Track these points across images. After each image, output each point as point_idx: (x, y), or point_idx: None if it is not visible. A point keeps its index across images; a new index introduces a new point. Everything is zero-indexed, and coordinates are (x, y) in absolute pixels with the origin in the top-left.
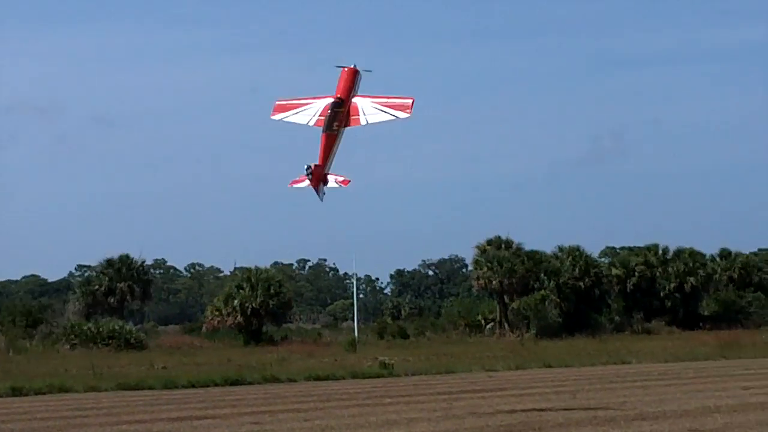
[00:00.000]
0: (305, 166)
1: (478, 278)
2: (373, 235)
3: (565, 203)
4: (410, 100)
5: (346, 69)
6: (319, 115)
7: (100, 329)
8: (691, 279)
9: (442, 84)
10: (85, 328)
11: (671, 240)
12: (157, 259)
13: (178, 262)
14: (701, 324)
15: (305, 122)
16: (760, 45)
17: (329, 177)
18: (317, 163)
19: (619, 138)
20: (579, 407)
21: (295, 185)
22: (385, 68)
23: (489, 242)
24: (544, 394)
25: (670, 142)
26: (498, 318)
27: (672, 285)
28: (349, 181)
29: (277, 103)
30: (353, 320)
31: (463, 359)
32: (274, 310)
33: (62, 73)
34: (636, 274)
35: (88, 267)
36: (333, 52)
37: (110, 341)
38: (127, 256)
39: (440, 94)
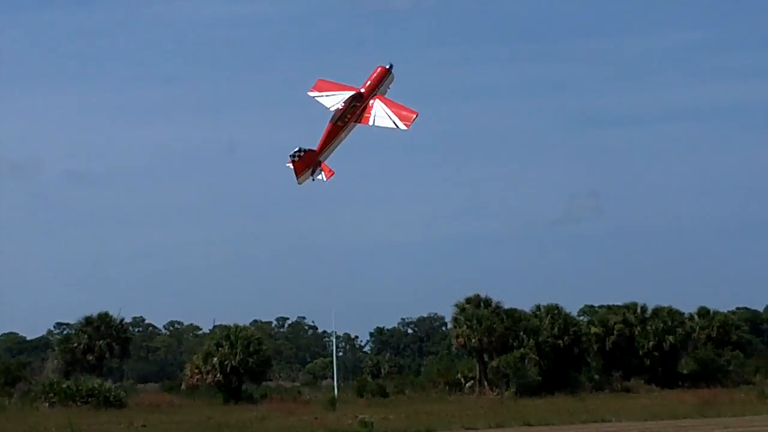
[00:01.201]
0: (295, 149)
1: (457, 336)
2: (352, 293)
3: (544, 262)
4: (413, 114)
5: (378, 67)
6: (341, 105)
7: (79, 387)
8: (670, 337)
9: (420, 143)
10: (64, 386)
11: (649, 298)
12: (135, 317)
13: (157, 320)
14: (680, 382)
15: (329, 106)
16: (736, 103)
17: (321, 167)
18: (314, 149)
19: (597, 196)
20: None
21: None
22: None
23: (468, 300)
24: None
25: (648, 201)
26: (477, 376)
27: (651, 343)
28: (333, 173)
29: (319, 80)
30: (333, 378)
31: (443, 417)
32: (253, 368)
33: (39, 130)
34: (615, 332)
35: (67, 325)
36: (312, 109)
37: (89, 399)
38: (106, 314)
39: (419, 153)
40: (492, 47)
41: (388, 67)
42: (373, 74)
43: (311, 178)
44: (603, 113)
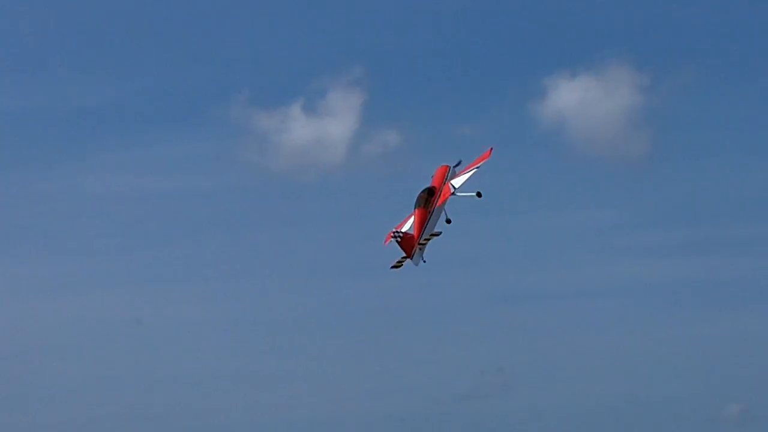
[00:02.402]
0: (394, 232)
1: None
2: None
3: None
4: (488, 150)
5: (439, 167)
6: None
7: None
8: None
9: (322, 320)
10: None
11: None
12: None
13: None
14: None
15: (408, 228)
16: (645, 281)
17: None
18: (411, 233)
19: (505, 373)
20: None
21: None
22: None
23: None
24: None
25: (557, 378)
26: None
27: None
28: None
29: (387, 234)
30: None
31: None
32: None
33: None
34: None
35: None
36: (218, 282)
37: None
38: None
39: (321, 330)
40: None
41: (450, 165)
42: (436, 173)
43: (422, 259)
44: (512, 289)
